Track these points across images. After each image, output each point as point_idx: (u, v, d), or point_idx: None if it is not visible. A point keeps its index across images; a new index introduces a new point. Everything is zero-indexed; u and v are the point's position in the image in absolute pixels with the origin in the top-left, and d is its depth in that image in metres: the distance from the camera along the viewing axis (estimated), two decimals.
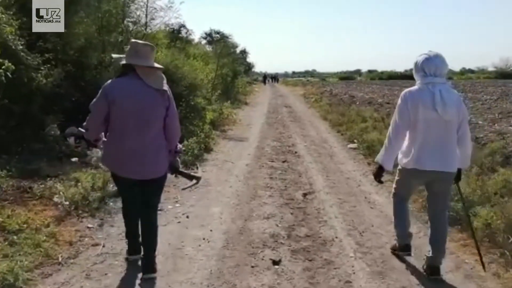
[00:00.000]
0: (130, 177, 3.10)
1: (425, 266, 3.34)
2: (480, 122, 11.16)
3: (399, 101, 3.29)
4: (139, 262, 3.32)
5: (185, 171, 3.96)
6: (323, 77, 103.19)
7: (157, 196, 3.35)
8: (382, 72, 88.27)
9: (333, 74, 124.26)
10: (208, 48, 27.95)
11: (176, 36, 23.60)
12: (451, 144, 3.22)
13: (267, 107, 19.84)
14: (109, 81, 3.08)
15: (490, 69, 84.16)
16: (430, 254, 3.30)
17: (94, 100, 3.02)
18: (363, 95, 23.89)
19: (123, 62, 3.08)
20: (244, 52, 55.94)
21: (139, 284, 3.13)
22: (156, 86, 3.02)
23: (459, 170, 3.36)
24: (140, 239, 3.33)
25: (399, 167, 3.44)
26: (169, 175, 3.40)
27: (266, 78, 64.14)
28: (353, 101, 19.61)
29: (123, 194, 3.40)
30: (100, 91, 3.00)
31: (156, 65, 3.11)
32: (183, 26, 23.83)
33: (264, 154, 8.30)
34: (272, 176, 6.47)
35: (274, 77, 71.96)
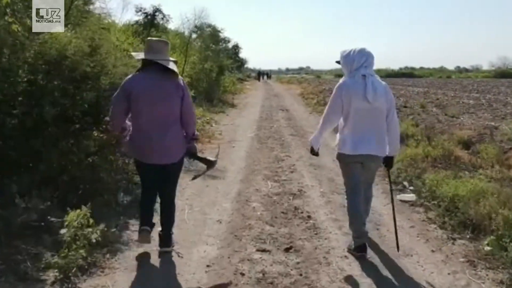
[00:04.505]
0: (150, 163, 3.35)
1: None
2: None
3: (334, 91, 3.52)
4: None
5: (201, 156, 3.81)
6: (318, 74, 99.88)
7: (175, 179, 3.60)
8: (379, 70, 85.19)
9: (328, 71, 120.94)
10: (198, 43, 24.00)
11: (150, 22, 19.66)
12: (381, 130, 3.49)
13: (259, 111, 15.80)
14: (129, 76, 3.40)
15: (484, 67, 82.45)
16: None
17: (115, 93, 3.36)
18: None
19: (140, 57, 3.38)
20: (236, 47, 52.42)
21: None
22: (169, 79, 3.27)
23: (392, 158, 3.64)
24: (160, 217, 3.60)
25: (338, 154, 3.66)
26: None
27: (261, 74, 64.86)
28: None
29: (143, 179, 3.62)
30: (120, 85, 3.34)
31: (171, 58, 3.40)
32: (158, 10, 19.76)
33: (248, 220, 4.34)
34: None
35: (267, 74, 73.26)
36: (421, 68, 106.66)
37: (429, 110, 14.54)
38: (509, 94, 23.07)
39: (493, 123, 10.96)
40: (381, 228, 4.17)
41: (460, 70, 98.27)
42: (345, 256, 3.51)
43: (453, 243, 3.76)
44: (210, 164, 3.80)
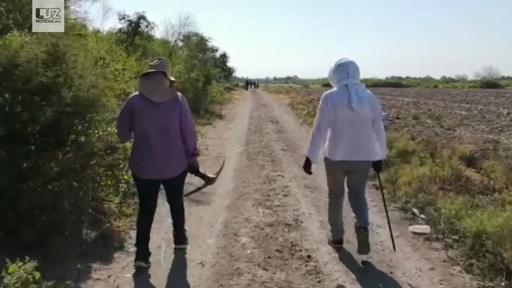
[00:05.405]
0: (150, 178, 3.44)
1: (356, 234, 3.67)
2: None
3: (320, 101, 3.63)
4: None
5: (202, 172, 3.81)
6: (305, 84, 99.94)
7: (178, 191, 3.75)
8: (366, 79, 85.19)
9: (316, 81, 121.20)
10: (185, 52, 23.34)
11: (134, 30, 18.95)
12: (367, 137, 3.59)
13: (247, 123, 15.12)
14: (132, 94, 3.57)
15: (470, 78, 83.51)
16: (356, 221, 3.67)
17: (120, 112, 3.53)
18: None
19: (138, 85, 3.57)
20: (224, 56, 51.93)
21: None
22: (161, 99, 3.38)
23: (380, 162, 3.74)
24: (171, 218, 3.89)
25: (325, 159, 3.74)
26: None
27: (249, 84, 64.93)
28: None
29: (142, 197, 3.64)
30: (124, 103, 3.52)
31: (172, 78, 3.55)
32: (143, 18, 19.06)
33: (236, 262, 3.61)
34: None
35: (254, 83, 73.21)
36: (408, 77, 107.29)
37: (423, 122, 14.02)
38: (500, 105, 22.75)
39: (491, 136, 10.46)
40: (396, 271, 3.48)
41: (446, 80, 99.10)
42: None
43: None
44: (209, 180, 3.86)
